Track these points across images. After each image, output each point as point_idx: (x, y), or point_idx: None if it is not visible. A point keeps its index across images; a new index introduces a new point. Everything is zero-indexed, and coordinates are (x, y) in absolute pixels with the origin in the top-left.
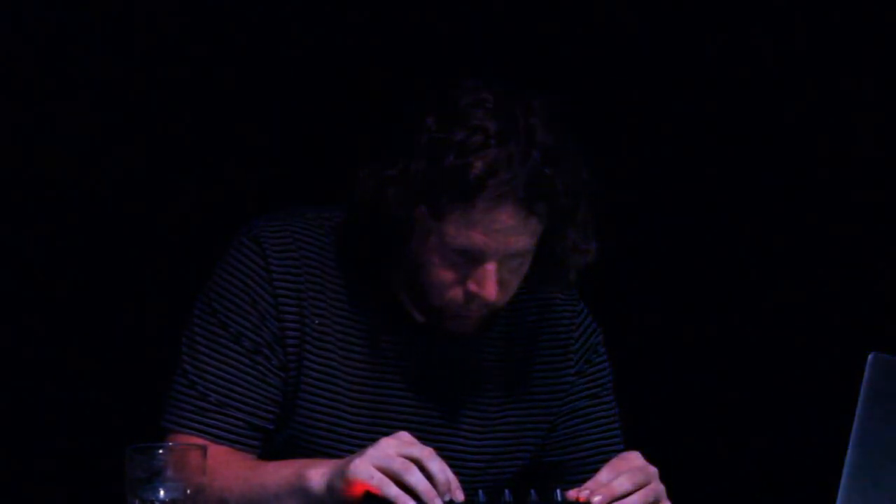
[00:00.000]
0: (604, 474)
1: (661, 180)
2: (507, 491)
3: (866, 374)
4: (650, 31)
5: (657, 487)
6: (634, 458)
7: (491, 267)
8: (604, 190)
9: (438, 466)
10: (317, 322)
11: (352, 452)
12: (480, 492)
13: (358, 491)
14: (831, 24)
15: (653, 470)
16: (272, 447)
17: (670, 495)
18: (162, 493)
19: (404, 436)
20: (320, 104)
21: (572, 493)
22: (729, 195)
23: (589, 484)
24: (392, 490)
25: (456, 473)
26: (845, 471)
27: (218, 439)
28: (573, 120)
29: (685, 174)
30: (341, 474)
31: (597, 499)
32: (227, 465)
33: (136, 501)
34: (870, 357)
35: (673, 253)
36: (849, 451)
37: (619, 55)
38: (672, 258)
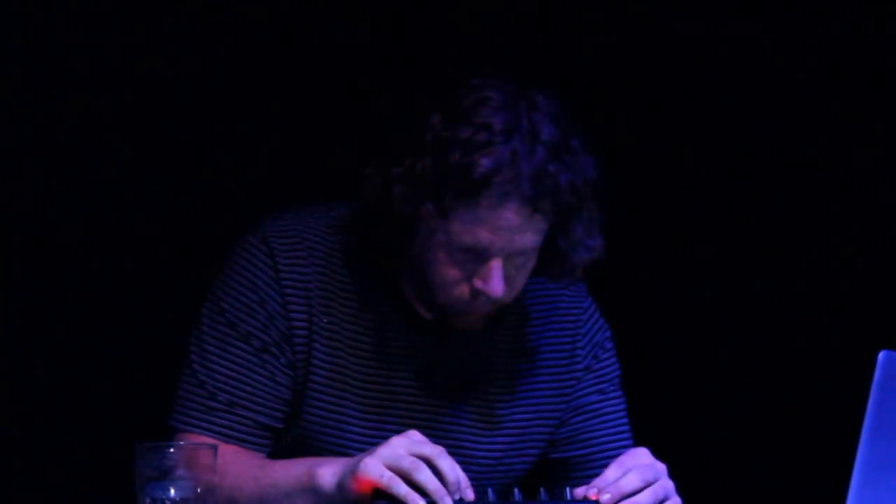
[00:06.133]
0: (612, 471)
1: (669, 176)
2: (516, 490)
3: (877, 371)
4: (655, 25)
5: (666, 484)
6: (642, 455)
7: (496, 264)
8: (610, 185)
9: (449, 465)
10: (325, 321)
11: (360, 451)
12: (490, 490)
13: (368, 489)
14: (833, 23)
15: (661, 467)
16: (280, 446)
17: (680, 493)
18: (172, 491)
19: (415, 434)
20: (326, 102)
21: (580, 491)
22: (739, 191)
23: (597, 482)
24: (402, 489)
25: (465, 471)
26: (856, 468)
27: (227, 438)
28: (578, 116)
29: (694, 170)
30: (352, 473)
31: (606, 497)
32: (236, 465)
33: (147, 500)
34: (880, 355)
35: (682, 249)
36: (859, 449)
37: (625, 49)
38: (681, 254)
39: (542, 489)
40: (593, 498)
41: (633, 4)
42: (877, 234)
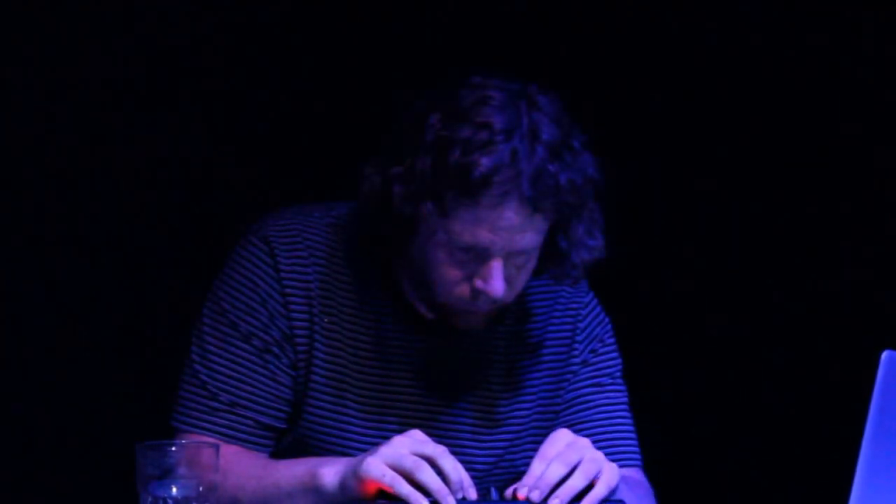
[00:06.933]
0: (536, 465)
1: (670, 175)
2: (492, 488)
3: (880, 372)
4: (656, 25)
5: (594, 457)
6: (562, 437)
7: (497, 264)
8: (611, 185)
9: (451, 464)
10: (326, 320)
11: (361, 451)
12: (493, 489)
13: (371, 489)
14: (833, 22)
15: (584, 442)
16: (281, 446)
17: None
18: (174, 489)
19: (417, 434)
20: (326, 102)
21: (508, 492)
22: (741, 190)
23: (525, 479)
24: (404, 488)
25: (466, 470)
26: (858, 469)
27: (229, 439)
28: (578, 115)
29: (695, 169)
30: (354, 472)
31: (535, 493)
32: (238, 465)
33: (149, 498)
34: (883, 355)
35: (683, 248)
36: (862, 450)
37: (625, 49)
38: (682, 253)
39: (492, 488)
40: (522, 498)
41: (634, 4)
42: (879, 234)
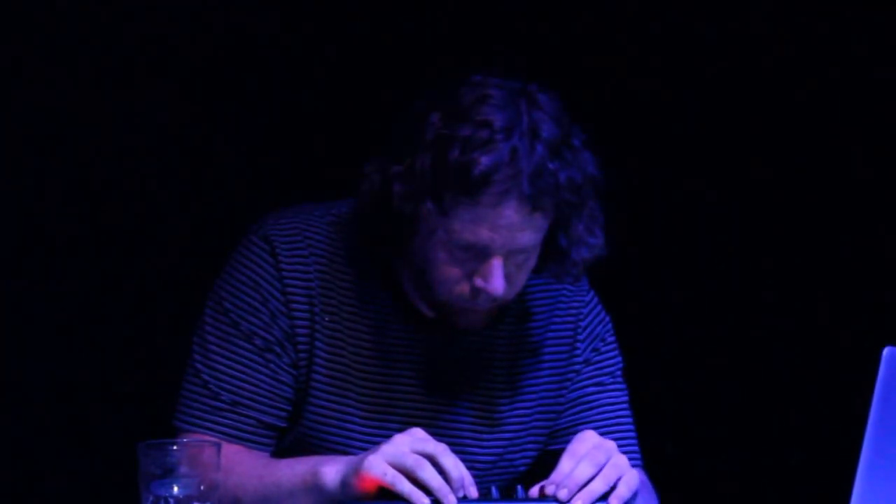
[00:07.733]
0: (566, 463)
1: (670, 173)
2: (519, 486)
3: (881, 368)
4: (656, 24)
5: (618, 462)
6: (590, 438)
7: (497, 262)
8: (611, 183)
9: (452, 463)
10: (327, 319)
11: (362, 449)
12: (493, 487)
13: (372, 487)
14: (833, 21)
15: (610, 445)
16: (283, 445)
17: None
18: (175, 488)
19: (418, 432)
20: (327, 101)
21: (535, 490)
22: (741, 187)
23: (553, 476)
24: (405, 486)
25: (468, 469)
26: (860, 466)
27: (231, 438)
28: (579, 113)
29: (695, 167)
30: (355, 471)
31: (563, 492)
32: (240, 464)
33: (151, 497)
34: (885, 352)
35: (684, 246)
36: (864, 447)
37: (626, 47)
38: (683, 251)
39: (493, 487)
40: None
41: (633, 3)
42: (881, 230)
